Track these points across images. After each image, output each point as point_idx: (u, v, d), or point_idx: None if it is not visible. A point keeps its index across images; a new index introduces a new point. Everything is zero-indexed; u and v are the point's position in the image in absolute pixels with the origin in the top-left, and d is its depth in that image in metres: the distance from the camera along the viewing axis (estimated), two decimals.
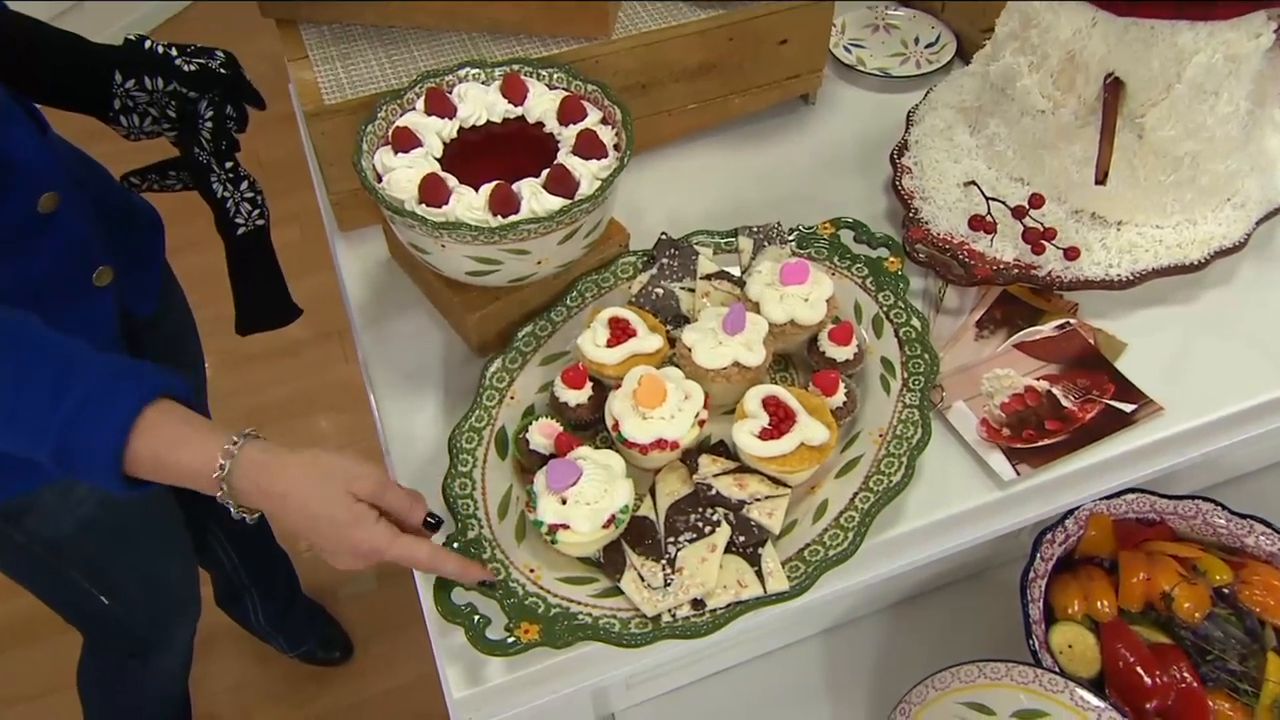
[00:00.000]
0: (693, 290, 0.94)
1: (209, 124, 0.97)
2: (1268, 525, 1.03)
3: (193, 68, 0.96)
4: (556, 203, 0.84)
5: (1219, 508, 1.05)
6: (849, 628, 1.15)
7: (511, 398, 0.89)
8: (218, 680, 1.85)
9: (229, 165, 1.00)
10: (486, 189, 0.84)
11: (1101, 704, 0.88)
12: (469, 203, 0.84)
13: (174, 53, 0.97)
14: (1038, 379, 0.91)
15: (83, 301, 0.97)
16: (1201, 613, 0.97)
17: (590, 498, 0.76)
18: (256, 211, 1.02)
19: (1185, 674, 0.93)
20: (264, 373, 2.26)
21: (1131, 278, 0.95)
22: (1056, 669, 0.94)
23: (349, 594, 1.97)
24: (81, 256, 0.95)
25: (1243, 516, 1.04)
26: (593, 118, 0.92)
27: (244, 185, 1.01)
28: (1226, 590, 1.00)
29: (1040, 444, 0.86)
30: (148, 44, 0.96)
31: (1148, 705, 0.92)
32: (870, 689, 1.09)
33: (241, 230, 1.01)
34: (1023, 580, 1.00)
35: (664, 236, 0.98)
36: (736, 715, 1.09)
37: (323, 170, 1.01)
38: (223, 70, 0.98)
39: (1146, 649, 0.95)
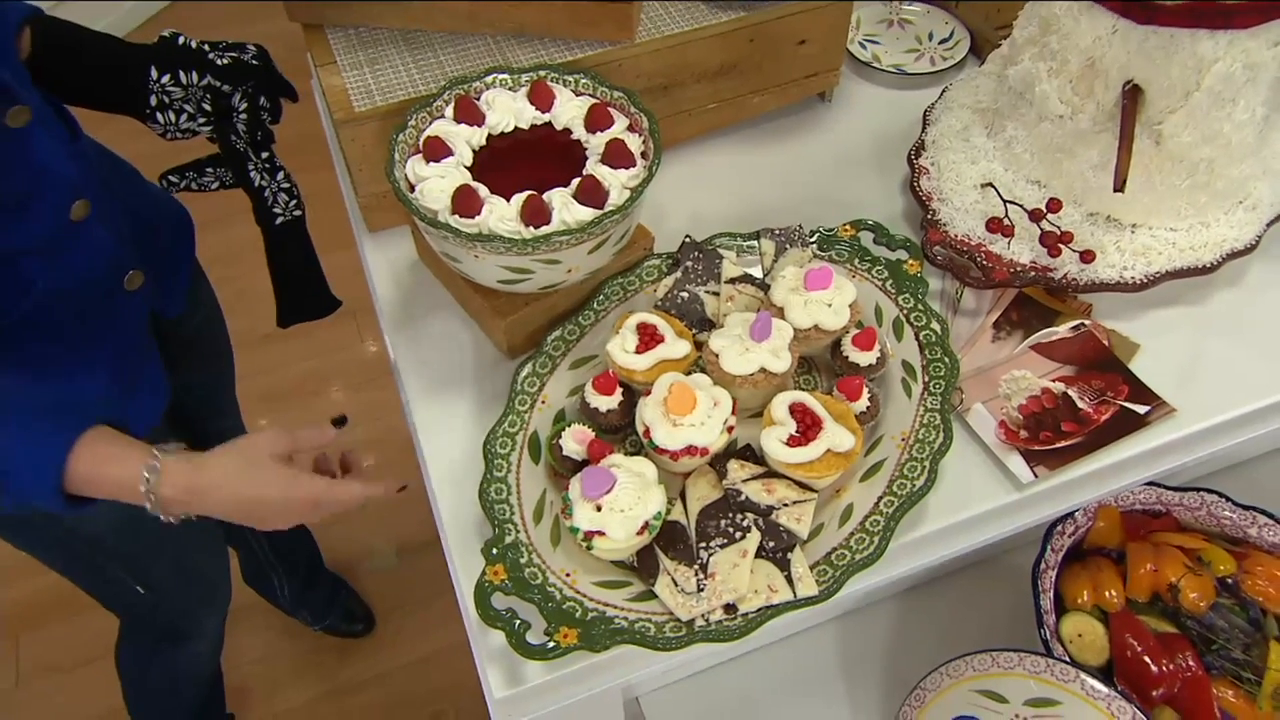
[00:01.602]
0: (717, 294, 0.97)
1: (243, 116, 0.99)
2: (1270, 516, 1.07)
3: (226, 61, 0.97)
4: (587, 213, 0.86)
5: (1223, 500, 1.08)
6: (862, 613, 1.19)
7: (543, 402, 0.91)
8: (246, 653, 1.90)
9: (265, 155, 1.02)
10: (518, 200, 0.86)
11: (1110, 692, 0.92)
12: (501, 214, 0.86)
13: (207, 47, 0.98)
14: (1054, 380, 0.93)
15: (113, 305, 0.99)
16: (1207, 603, 1.01)
17: (624, 505, 0.78)
18: (294, 202, 1.04)
19: (1191, 663, 0.97)
20: (280, 352, 2.29)
21: (1145, 280, 0.97)
22: (1067, 658, 0.98)
23: (370, 569, 2.02)
24: (112, 262, 0.97)
25: (1246, 508, 1.07)
26: (619, 125, 0.94)
27: (280, 175, 1.02)
28: (1230, 580, 1.03)
29: (1057, 446, 0.89)
30: (181, 39, 0.98)
31: (1154, 693, 0.96)
32: (884, 673, 1.13)
33: (280, 220, 1.03)
34: (1034, 571, 1.04)
35: (688, 240, 1.00)
36: (756, 698, 1.13)
37: (351, 175, 1.03)
38: (255, 62, 0.99)
39: (1154, 638, 0.99)
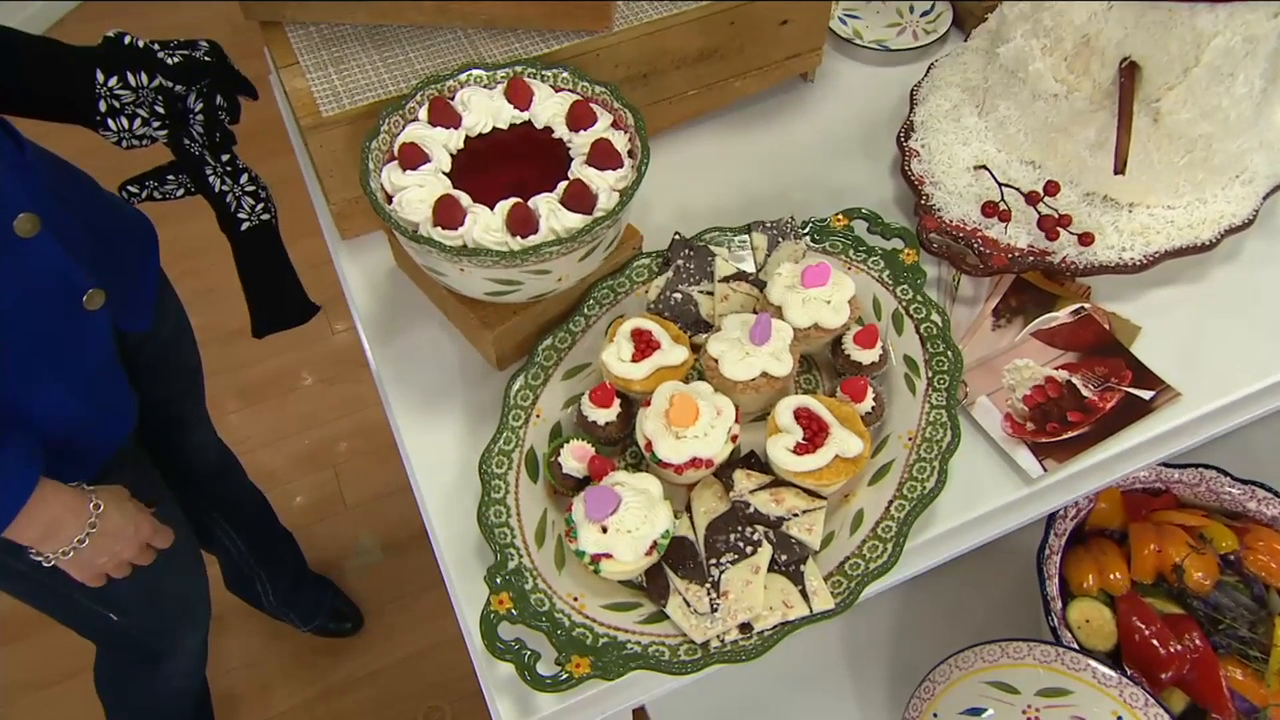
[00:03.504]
0: (711, 293, 0.94)
1: (200, 117, 0.93)
2: (1269, 490, 1.06)
3: (177, 59, 0.92)
4: (576, 220, 0.82)
5: (1222, 475, 1.07)
6: (867, 603, 1.17)
7: (537, 416, 0.88)
8: (234, 658, 1.87)
9: (225, 158, 0.96)
10: (503, 208, 0.82)
11: (1121, 678, 0.91)
12: (486, 224, 0.82)
13: (156, 46, 0.93)
14: (1057, 368, 0.91)
15: (74, 327, 0.95)
16: (1211, 582, 1.00)
17: (631, 525, 0.76)
18: (260, 205, 0.99)
19: (1198, 643, 0.97)
20: (251, 347, 2.21)
21: (1144, 260, 0.95)
22: (1076, 646, 0.97)
23: (355, 566, 1.99)
24: (69, 281, 0.92)
25: (1245, 482, 1.07)
26: (603, 122, 0.89)
27: (244, 179, 0.97)
28: (1232, 557, 1.03)
29: (1065, 437, 0.87)
30: (127, 39, 0.92)
31: (1164, 675, 0.96)
32: (890, 663, 1.13)
33: (246, 226, 0.98)
34: (1039, 558, 1.03)
35: (678, 237, 0.96)
36: (762, 695, 1.12)
37: (322, 182, 0.98)
38: (208, 59, 0.94)
39: (1161, 621, 0.99)
